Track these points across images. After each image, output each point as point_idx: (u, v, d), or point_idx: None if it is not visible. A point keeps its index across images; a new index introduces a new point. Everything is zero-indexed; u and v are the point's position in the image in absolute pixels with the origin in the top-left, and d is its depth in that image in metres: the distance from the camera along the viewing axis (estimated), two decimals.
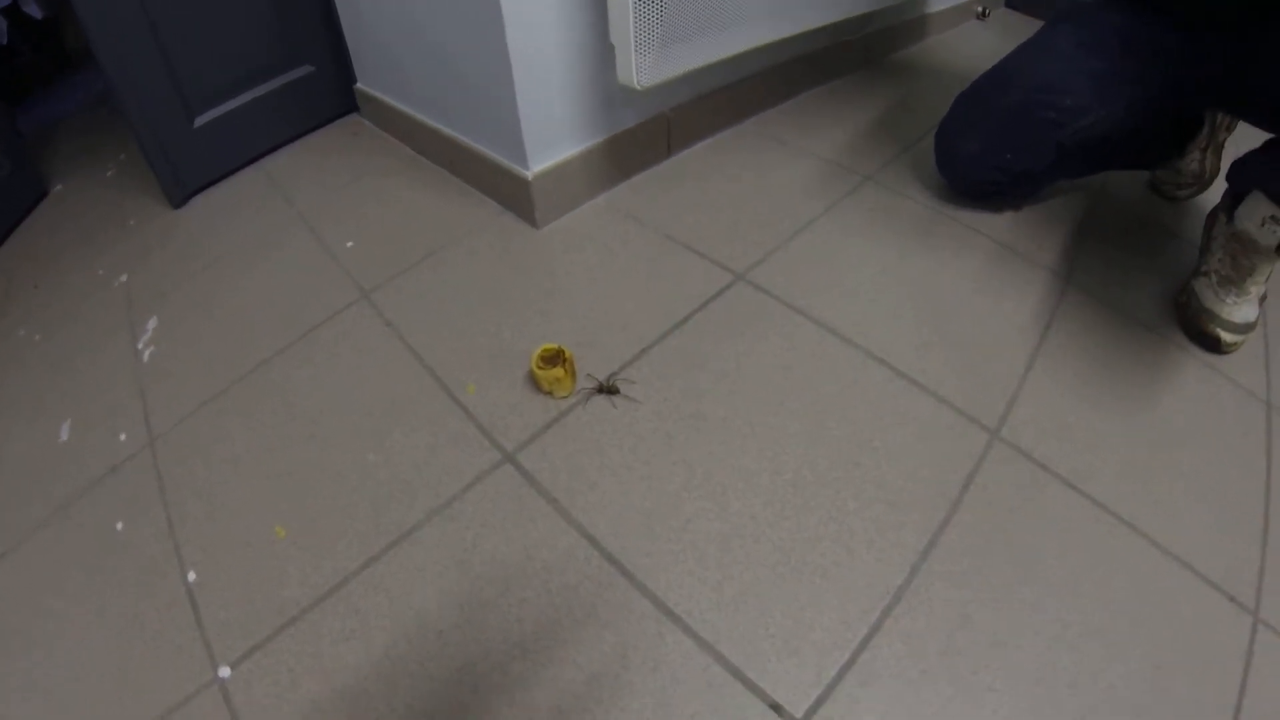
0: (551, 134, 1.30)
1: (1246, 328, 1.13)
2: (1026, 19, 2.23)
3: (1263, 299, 1.16)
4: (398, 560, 0.90)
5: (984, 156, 1.31)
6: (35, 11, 3.94)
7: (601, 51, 1.28)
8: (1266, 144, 1.13)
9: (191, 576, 0.96)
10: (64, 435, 1.27)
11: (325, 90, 1.95)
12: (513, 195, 1.38)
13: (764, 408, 1.03)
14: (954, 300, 1.22)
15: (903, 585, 0.84)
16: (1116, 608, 0.83)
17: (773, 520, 0.91)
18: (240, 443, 1.10)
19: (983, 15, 2.25)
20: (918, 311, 1.18)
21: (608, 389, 1.05)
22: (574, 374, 1.06)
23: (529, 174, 1.30)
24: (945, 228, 1.33)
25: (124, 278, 1.65)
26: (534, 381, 1.06)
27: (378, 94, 1.81)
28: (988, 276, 1.27)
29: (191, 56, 1.73)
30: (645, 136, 1.44)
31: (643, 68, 1.20)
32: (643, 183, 1.46)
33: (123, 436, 1.21)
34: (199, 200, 1.85)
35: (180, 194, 1.81)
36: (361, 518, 0.96)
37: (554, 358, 1.05)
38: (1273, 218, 1.07)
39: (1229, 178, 1.19)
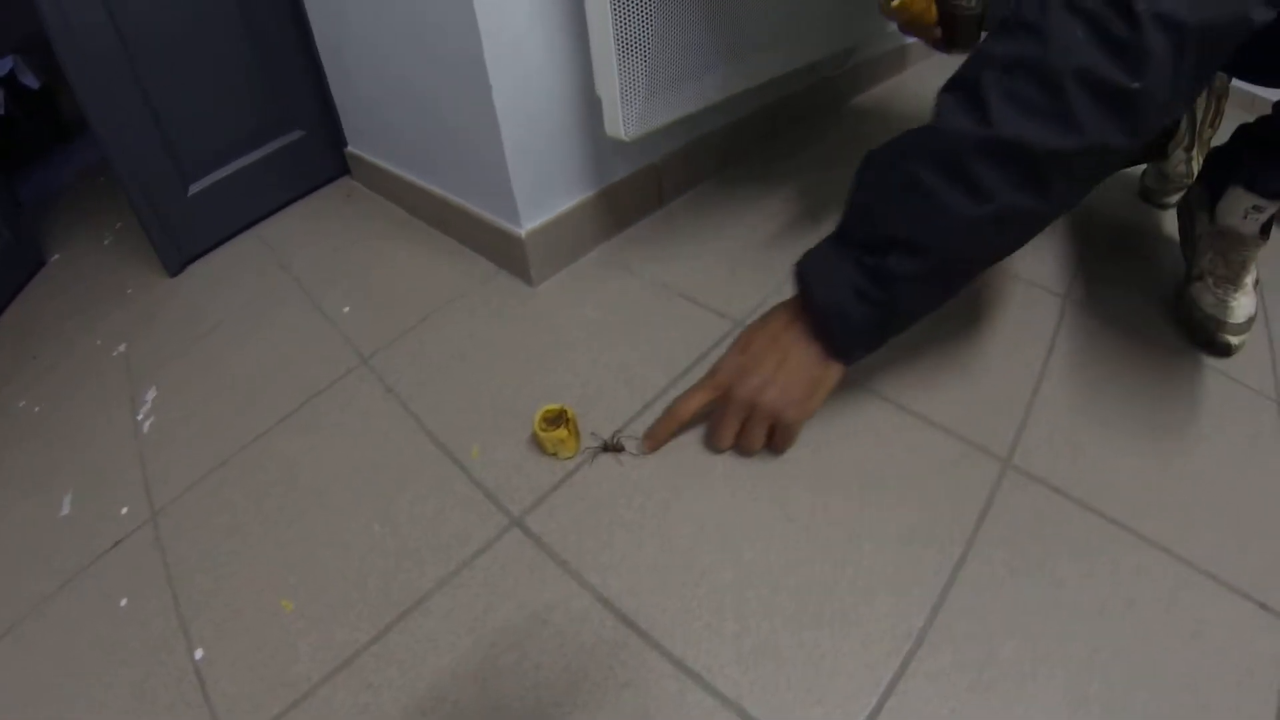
0: (543, 190, 1.30)
1: (1249, 323, 1.12)
2: None
3: (1256, 283, 1.15)
4: (409, 631, 0.88)
5: None
6: (31, 81, 3.96)
7: (589, 104, 1.28)
8: (1241, 138, 1.12)
9: (199, 654, 0.93)
10: (65, 509, 1.25)
11: (317, 154, 1.96)
12: (506, 253, 1.36)
13: (770, 454, 1.01)
14: (953, 327, 1.21)
15: (925, 625, 0.82)
16: (1145, 627, 0.80)
17: (787, 568, 0.88)
18: (243, 514, 1.08)
19: None
20: (915, 342, 1.16)
21: (613, 447, 1.03)
22: (577, 434, 1.04)
23: (522, 232, 1.30)
24: None
25: (123, 347, 1.63)
26: (538, 443, 1.04)
27: (368, 156, 1.81)
28: (985, 300, 1.26)
29: (185, 124, 1.74)
30: (637, 187, 1.44)
31: (629, 119, 1.20)
32: (637, 234, 1.46)
33: (124, 510, 1.18)
34: (195, 268, 1.84)
35: (177, 262, 1.80)
36: (371, 588, 0.93)
37: (557, 418, 1.03)
38: (1254, 207, 1.06)
39: (1206, 178, 1.18)
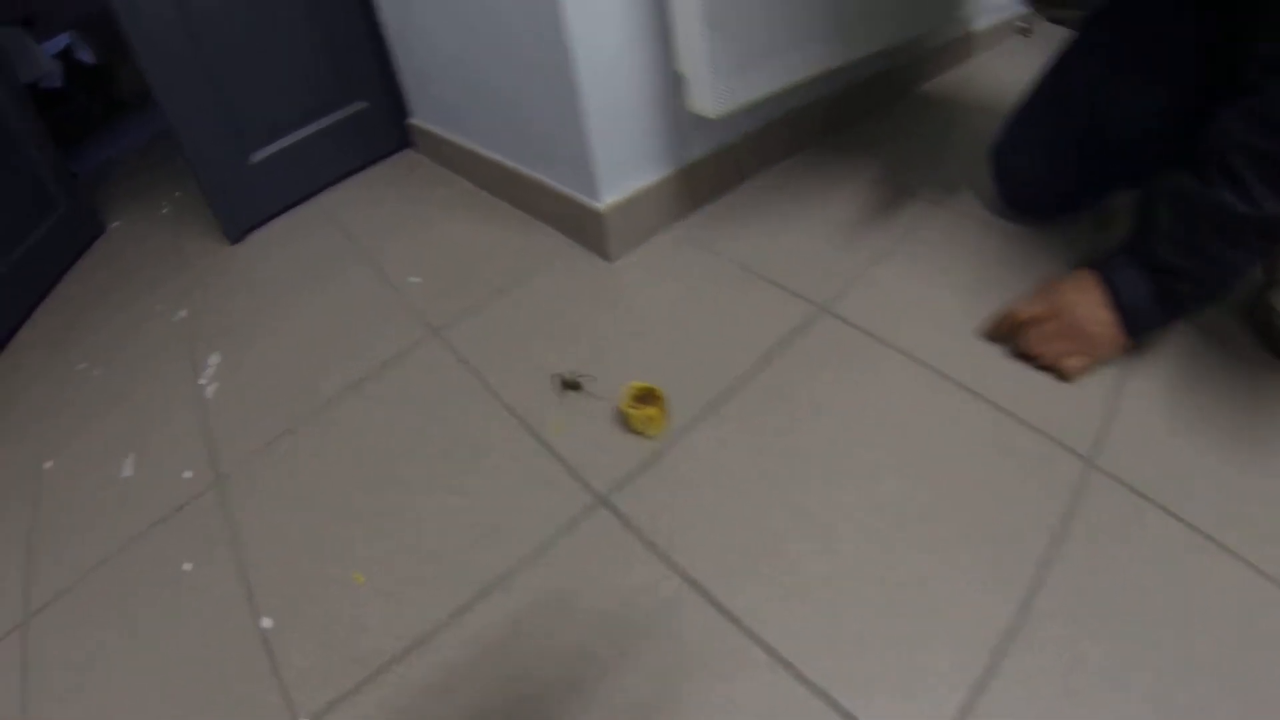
0: (622, 165, 1.25)
1: None
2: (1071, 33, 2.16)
3: None
4: (489, 610, 0.83)
5: (1042, 172, 1.24)
6: (88, 57, 4.00)
7: (670, 81, 1.22)
8: None
9: (266, 623, 0.89)
10: (127, 471, 1.23)
11: (379, 126, 1.93)
12: (583, 228, 1.32)
13: (859, 444, 0.96)
14: None
15: (1014, 625, 0.76)
16: (1229, 639, 0.74)
17: (878, 559, 0.83)
18: (313, 484, 1.04)
19: (1025, 31, 2.18)
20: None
21: (571, 385, 1.06)
22: (667, 413, 0.99)
23: (601, 206, 1.25)
24: (1017, 248, 1.26)
25: (183, 313, 1.61)
26: (624, 421, 0.99)
27: (432, 128, 1.77)
28: None
29: (247, 94, 1.72)
30: (716, 165, 1.39)
31: (716, 95, 1.15)
32: (716, 212, 1.40)
33: (188, 474, 1.15)
34: (256, 236, 1.82)
35: (237, 230, 1.77)
36: (448, 564, 0.89)
37: (646, 396, 0.98)
38: None
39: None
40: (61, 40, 3.92)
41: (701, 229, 1.36)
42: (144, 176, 2.90)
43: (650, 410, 0.97)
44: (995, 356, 1.07)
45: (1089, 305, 1.02)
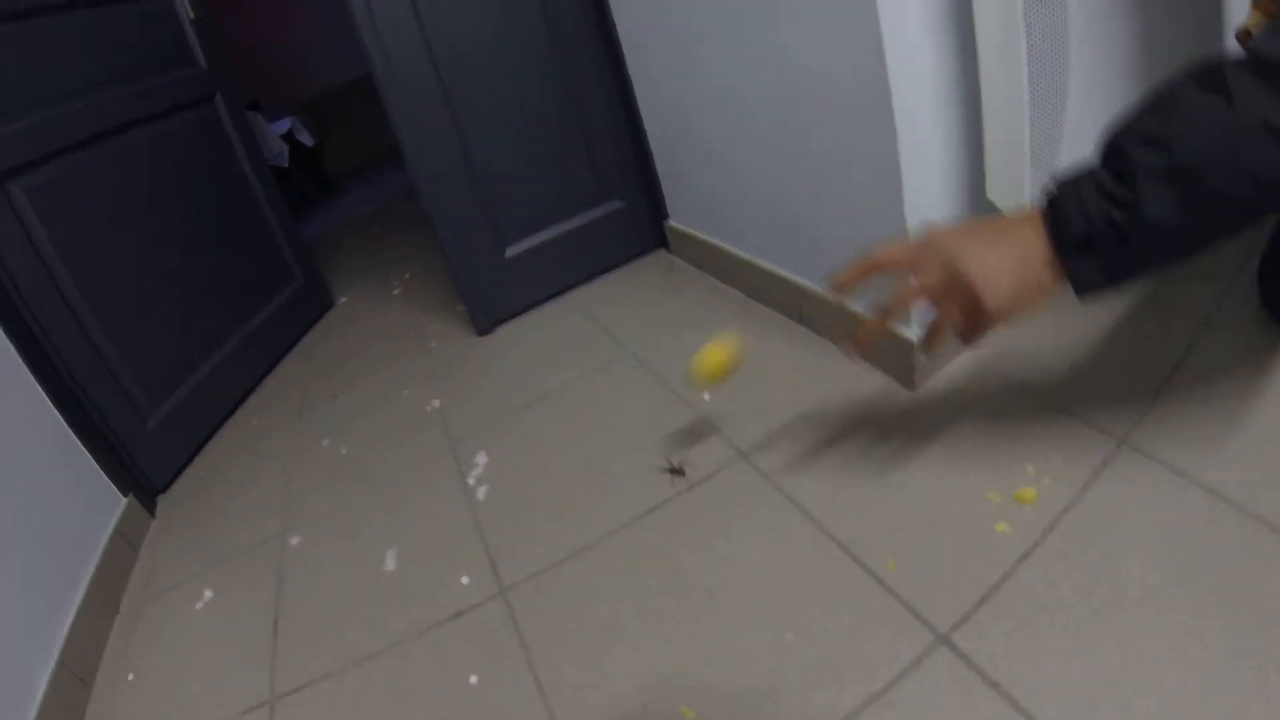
0: None
1: None
2: None
3: None
4: None
5: None
6: (307, 139, 4.43)
7: (974, 206, 1.23)
8: None
9: None
10: (389, 564, 1.29)
11: (634, 226, 2.03)
12: (885, 356, 1.30)
13: (1189, 585, 0.87)
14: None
15: None
16: None
17: (1208, 700, 0.74)
18: (620, 605, 1.05)
19: None
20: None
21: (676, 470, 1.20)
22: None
23: (915, 336, 1.23)
24: None
25: (436, 403, 1.69)
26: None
27: (695, 232, 1.83)
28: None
29: (506, 190, 1.86)
30: None
31: None
32: (1008, 340, 1.36)
33: (465, 580, 1.19)
34: (506, 330, 1.92)
35: (488, 322, 1.88)
36: (785, 702, 0.86)
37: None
38: None
39: None
40: (284, 123, 4.36)
41: (1000, 358, 1.32)
42: (364, 254, 3.12)
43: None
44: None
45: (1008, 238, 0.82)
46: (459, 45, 1.70)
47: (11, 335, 1.46)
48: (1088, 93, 1.12)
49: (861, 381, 1.32)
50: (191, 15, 2.09)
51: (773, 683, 0.89)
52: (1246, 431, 1.01)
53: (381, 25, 1.62)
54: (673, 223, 1.95)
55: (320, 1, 4.98)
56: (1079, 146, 1.12)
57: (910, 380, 1.27)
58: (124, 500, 1.60)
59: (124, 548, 1.54)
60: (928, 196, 1.18)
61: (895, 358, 1.29)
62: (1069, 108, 1.10)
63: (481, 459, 1.44)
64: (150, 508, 1.70)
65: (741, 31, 1.34)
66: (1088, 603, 0.87)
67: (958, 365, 1.30)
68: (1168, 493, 0.97)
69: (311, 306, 2.48)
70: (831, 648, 0.91)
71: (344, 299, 2.63)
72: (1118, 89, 1.19)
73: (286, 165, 4.07)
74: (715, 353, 1.18)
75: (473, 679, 1.02)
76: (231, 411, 2.04)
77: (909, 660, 0.87)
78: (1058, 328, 1.31)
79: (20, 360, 1.47)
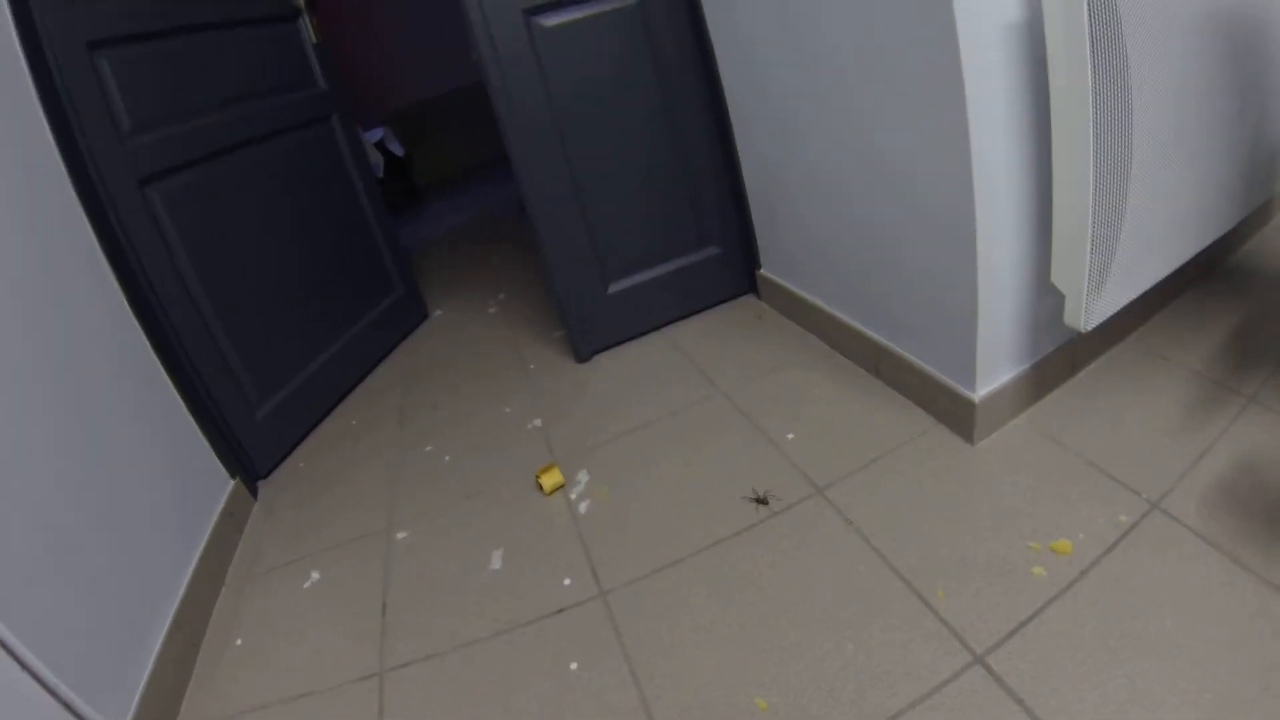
0: (995, 361, 1.47)
1: None
2: None
3: None
4: None
5: None
6: (397, 149, 4.74)
7: (1037, 285, 1.45)
8: None
9: None
10: (495, 564, 1.52)
11: (729, 271, 2.28)
12: (950, 411, 1.53)
13: (1199, 638, 1.06)
14: None
15: None
16: None
17: None
18: (708, 613, 1.28)
19: None
20: None
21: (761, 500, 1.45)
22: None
23: (975, 397, 1.46)
24: None
25: (538, 421, 1.94)
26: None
27: (784, 282, 2.08)
28: None
29: (614, 232, 2.12)
30: (1060, 359, 1.58)
31: (1090, 312, 1.34)
32: (1054, 402, 1.58)
33: (567, 581, 1.42)
34: (603, 359, 2.18)
35: (587, 350, 2.13)
36: (844, 701, 1.09)
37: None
38: None
39: None
40: (377, 132, 4.67)
41: (1045, 418, 1.53)
42: (457, 269, 3.39)
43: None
44: None
45: None
46: (573, 85, 1.94)
47: (144, 326, 1.72)
48: (1143, 201, 1.34)
49: (927, 434, 1.55)
50: (314, 40, 2.37)
51: (834, 683, 1.12)
52: (1269, 504, 1.22)
53: (504, 58, 1.85)
54: (764, 272, 2.20)
55: (413, 14, 5.33)
56: (1135, 243, 1.35)
57: (970, 435, 1.49)
58: (231, 483, 1.86)
59: (230, 526, 1.79)
60: (999, 276, 1.40)
61: (957, 414, 1.51)
62: (1128, 211, 1.32)
63: (583, 477, 1.69)
64: (253, 491, 1.97)
65: (835, 122, 1.59)
66: (1106, 643, 1.08)
67: (1013, 425, 1.52)
68: (1191, 555, 1.18)
69: (409, 316, 2.76)
70: (885, 658, 1.14)
71: (439, 312, 2.90)
72: (1170, 201, 1.40)
73: (382, 176, 4.36)
74: (554, 473, 1.66)
75: (573, 665, 1.25)
76: (330, 410, 2.32)
77: (949, 674, 1.09)
78: (1110, 394, 1.53)
79: (152, 351, 1.72)
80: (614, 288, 2.14)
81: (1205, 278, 1.85)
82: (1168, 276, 1.49)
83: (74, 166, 1.62)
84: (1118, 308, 1.40)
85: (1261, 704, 0.95)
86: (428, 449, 1.98)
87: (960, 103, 1.23)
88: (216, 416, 1.91)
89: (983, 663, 1.09)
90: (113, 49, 1.74)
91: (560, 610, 1.36)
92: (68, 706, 1.13)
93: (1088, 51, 1.14)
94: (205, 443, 1.82)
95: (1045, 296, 1.46)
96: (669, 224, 2.16)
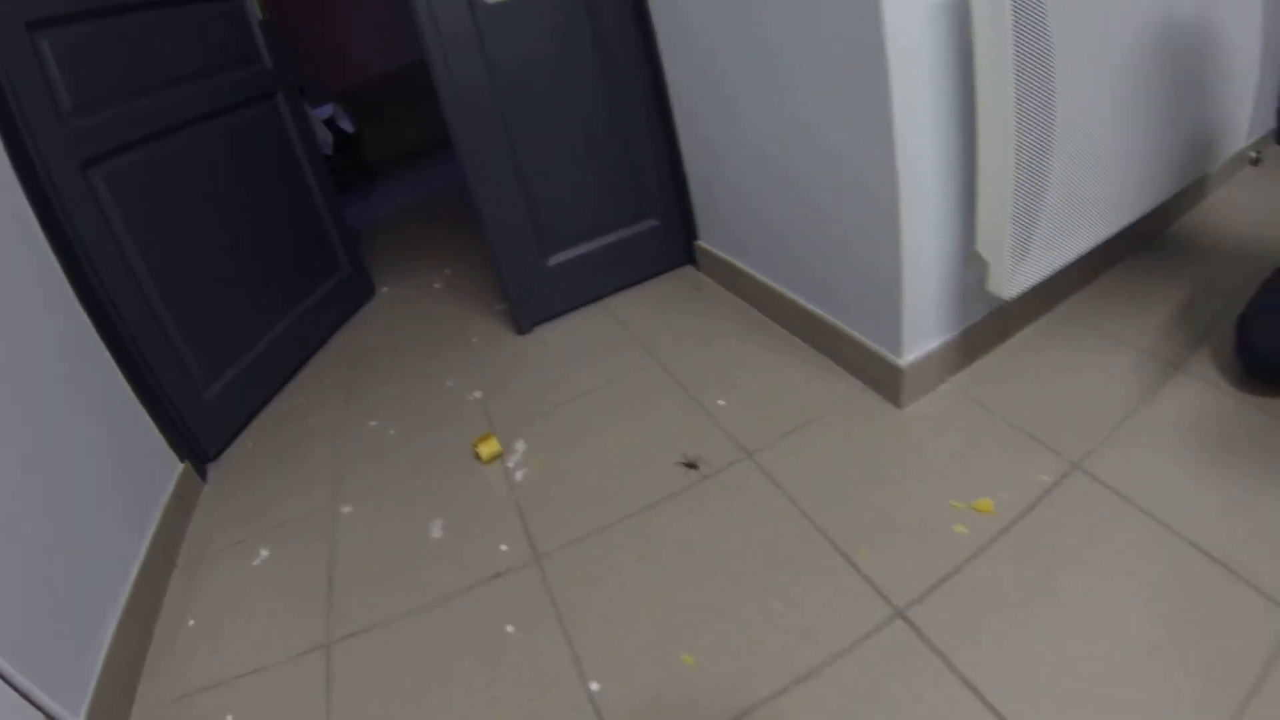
0: (921, 328, 1.53)
1: None
2: None
3: None
4: (803, 696, 1.08)
5: None
6: (348, 126, 4.71)
7: (964, 255, 1.51)
8: None
9: (594, 686, 1.17)
10: (435, 533, 1.56)
11: (666, 243, 2.33)
12: (879, 378, 1.59)
13: (1114, 592, 1.12)
14: None
15: None
16: None
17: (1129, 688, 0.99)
18: (639, 575, 1.33)
19: (1256, 160, 2.25)
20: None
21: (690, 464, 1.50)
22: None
23: (902, 363, 1.51)
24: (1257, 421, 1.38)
25: (478, 394, 1.98)
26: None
27: (722, 254, 2.13)
28: None
29: (554, 205, 2.15)
30: (988, 326, 1.65)
31: (1013, 280, 1.41)
32: (983, 368, 1.65)
33: (503, 547, 1.47)
34: (543, 330, 2.22)
35: (528, 322, 2.18)
36: (769, 654, 1.15)
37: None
38: None
39: None
40: (326, 108, 4.63)
41: (972, 384, 1.59)
42: (404, 247, 3.41)
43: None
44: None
45: None
46: (515, 64, 1.98)
47: (89, 310, 1.71)
48: (1067, 174, 1.40)
49: (857, 400, 1.60)
50: (261, 16, 2.37)
51: (760, 639, 1.17)
52: (1194, 467, 1.29)
53: (446, 36, 1.87)
54: (702, 243, 2.25)
55: None
56: (1059, 212, 1.42)
57: (898, 400, 1.55)
58: (180, 466, 1.86)
59: (180, 509, 1.79)
60: (923, 246, 1.45)
61: (886, 380, 1.57)
62: (1051, 182, 1.38)
63: (521, 446, 1.73)
64: (202, 473, 1.97)
65: (768, 101, 1.64)
66: (1025, 598, 1.14)
67: (941, 390, 1.58)
68: (1110, 514, 1.24)
69: (356, 294, 2.78)
70: (810, 615, 1.19)
71: (385, 289, 2.92)
72: (1094, 176, 1.46)
73: (331, 153, 4.34)
74: (491, 442, 1.71)
75: (509, 628, 1.29)
76: (278, 389, 2.33)
77: (871, 627, 1.15)
78: (1038, 361, 1.60)
79: (96, 335, 1.71)
80: (554, 260, 2.17)
81: (1139, 250, 1.92)
82: (1098, 247, 1.55)
83: (14, 149, 1.61)
84: (1042, 276, 1.46)
85: (1176, 657, 1.01)
86: (372, 424, 2.01)
87: (883, 79, 1.28)
88: (164, 400, 1.90)
89: (904, 616, 1.15)
90: (53, 29, 1.73)
91: (497, 575, 1.41)
92: (25, 696, 1.15)
93: (1009, 26, 1.19)
94: (153, 427, 1.82)
95: (973, 266, 1.51)
96: (609, 198, 2.20)
